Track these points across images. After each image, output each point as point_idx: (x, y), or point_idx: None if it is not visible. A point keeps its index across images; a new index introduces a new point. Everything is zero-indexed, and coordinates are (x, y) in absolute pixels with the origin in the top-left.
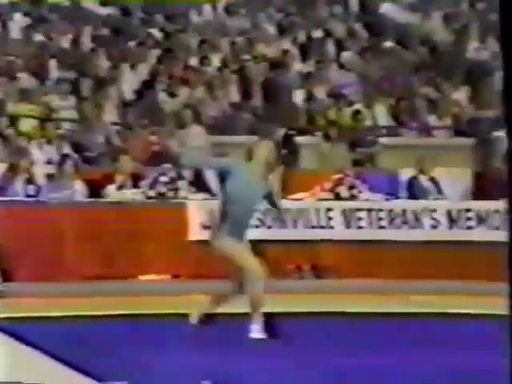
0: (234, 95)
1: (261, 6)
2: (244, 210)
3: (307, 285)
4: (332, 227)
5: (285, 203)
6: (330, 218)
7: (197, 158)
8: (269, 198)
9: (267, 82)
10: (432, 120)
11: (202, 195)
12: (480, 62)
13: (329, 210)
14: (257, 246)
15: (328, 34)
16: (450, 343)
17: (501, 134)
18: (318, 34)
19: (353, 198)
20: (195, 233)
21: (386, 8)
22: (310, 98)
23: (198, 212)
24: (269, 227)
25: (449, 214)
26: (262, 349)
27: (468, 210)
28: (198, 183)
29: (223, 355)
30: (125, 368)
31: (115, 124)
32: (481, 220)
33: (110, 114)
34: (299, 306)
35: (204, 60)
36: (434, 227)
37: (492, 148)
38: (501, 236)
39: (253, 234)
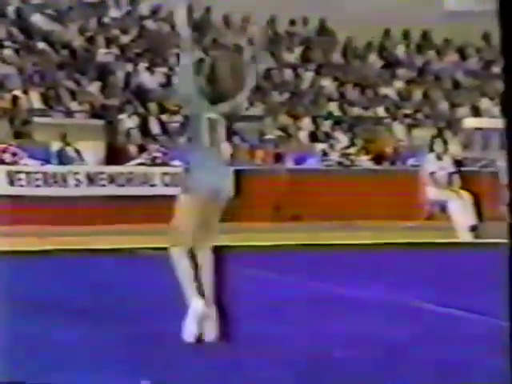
0: None
1: None
2: None
3: None
4: None
5: None
6: None
7: None
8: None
9: None
10: (74, 105)
11: None
12: (106, 64)
13: None
14: None
15: None
16: None
17: (123, 116)
18: None
19: (15, 163)
20: None
21: (35, 18)
22: None
23: None
24: None
25: (88, 175)
26: None
27: (102, 173)
28: None
29: None
30: None
31: None
32: (112, 179)
33: None
34: None
35: None
36: (77, 186)
37: (117, 127)
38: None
39: None
